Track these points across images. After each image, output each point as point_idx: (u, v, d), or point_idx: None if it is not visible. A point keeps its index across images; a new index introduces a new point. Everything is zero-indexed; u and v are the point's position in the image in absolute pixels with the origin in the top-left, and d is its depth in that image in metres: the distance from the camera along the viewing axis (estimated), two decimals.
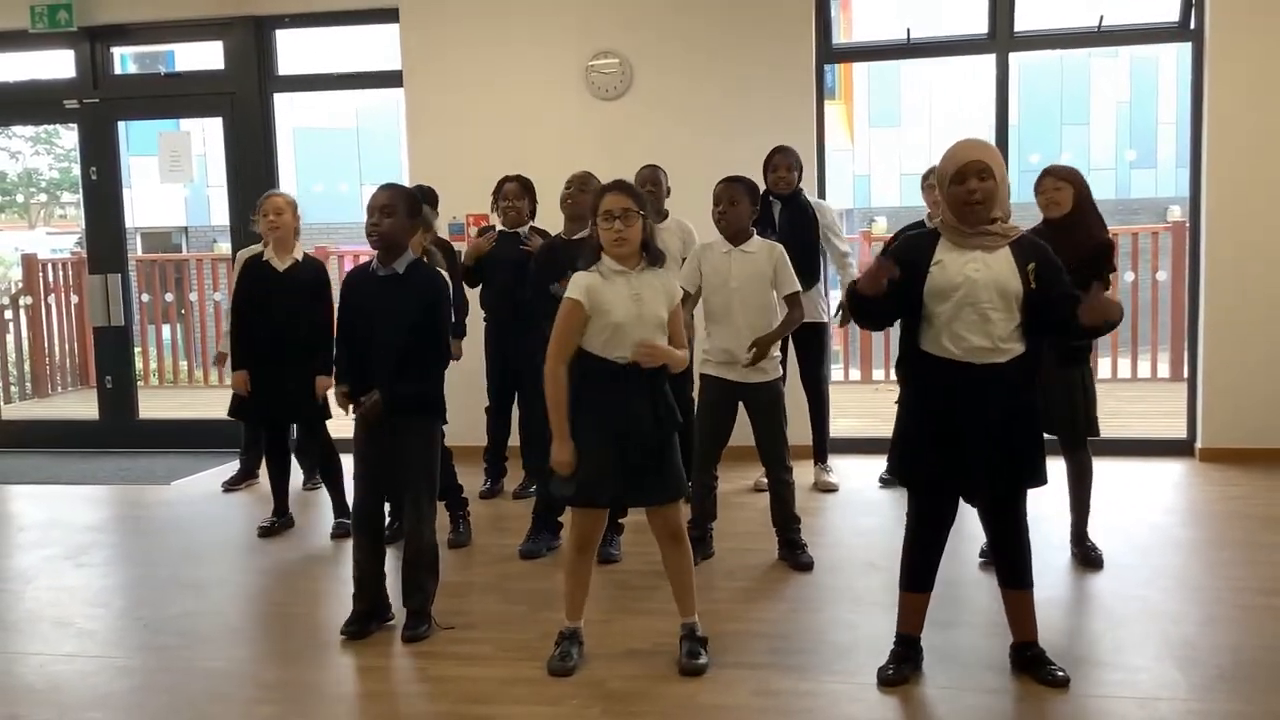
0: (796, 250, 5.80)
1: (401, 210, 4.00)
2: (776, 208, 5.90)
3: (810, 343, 6.08)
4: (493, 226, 6.16)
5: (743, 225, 4.78)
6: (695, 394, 4.98)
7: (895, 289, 3.40)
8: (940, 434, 3.44)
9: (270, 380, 5.37)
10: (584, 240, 4.96)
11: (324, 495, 5.82)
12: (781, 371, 4.88)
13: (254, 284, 5.44)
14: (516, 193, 5.83)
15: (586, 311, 3.59)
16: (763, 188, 5.84)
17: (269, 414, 5.57)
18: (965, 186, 3.35)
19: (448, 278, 5.08)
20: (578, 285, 3.62)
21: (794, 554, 4.83)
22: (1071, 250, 4.07)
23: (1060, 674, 3.54)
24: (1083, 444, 4.63)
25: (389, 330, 4.02)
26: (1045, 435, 4.29)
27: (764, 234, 5.15)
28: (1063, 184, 4.49)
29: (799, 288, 4.83)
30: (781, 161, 5.90)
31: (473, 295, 6.06)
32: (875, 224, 15.81)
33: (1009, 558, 3.60)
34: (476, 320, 6.07)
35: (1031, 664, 3.59)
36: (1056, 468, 3.95)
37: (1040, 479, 3.53)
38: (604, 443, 3.61)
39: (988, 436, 3.40)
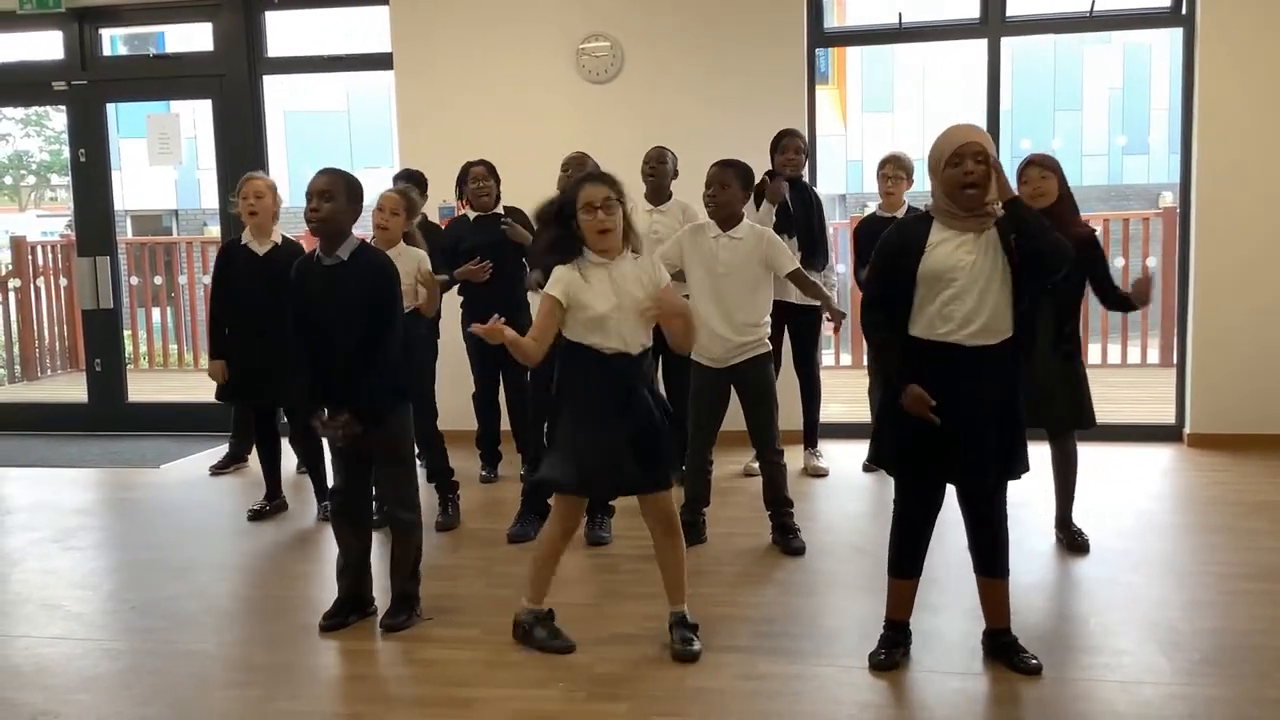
0: (803, 234, 5.83)
1: (341, 195, 3.87)
2: (785, 190, 5.89)
3: (804, 327, 6.08)
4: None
5: (733, 210, 4.75)
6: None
7: (894, 283, 3.42)
8: (926, 419, 3.43)
9: (254, 365, 5.33)
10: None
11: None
12: (769, 348, 4.86)
13: (233, 269, 5.40)
14: (482, 175, 5.77)
15: (565, 307, 3.62)
16: (767, 168, 5.86)
17: (255, 399, 5.56)
18: (962, 168, 3.32)
19: (425, 256, 5.09)
20: (558, 282, 3.64)
21: (786, 539, 4.83)
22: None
23: (1033, 661, 3.55)
24: (1072, 433, 4.65)
25: (342, 322, 3.89)
26: (1029, 426, 4.34)
27: (781, 220, 5.17)
28: (1048, 173, 4.48)
29: (798, 265, 4.85)
30: (791, 143, 5.89)
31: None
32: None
33: (987, 546, 3.60)
34: (454, 306, 6.01)
35: (1004, 651, 3.60)
36: (1038, 454, 3.94)
37: (1025, 466, 3.54)
38: (598, 432, 3.61)
39: (975, 421, 3.40)
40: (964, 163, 3.32)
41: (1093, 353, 9.23)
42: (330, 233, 3.89)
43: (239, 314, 5.39)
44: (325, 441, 4.11)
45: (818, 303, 6.04)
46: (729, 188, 4.72)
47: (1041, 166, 4.49)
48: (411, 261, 4.91)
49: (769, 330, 4.86)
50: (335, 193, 3.86)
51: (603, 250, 3.64)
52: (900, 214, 5.82)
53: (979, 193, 3.33)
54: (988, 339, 3.38)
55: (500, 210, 5.74)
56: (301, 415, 5.08)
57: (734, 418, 4.88)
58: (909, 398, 3.39)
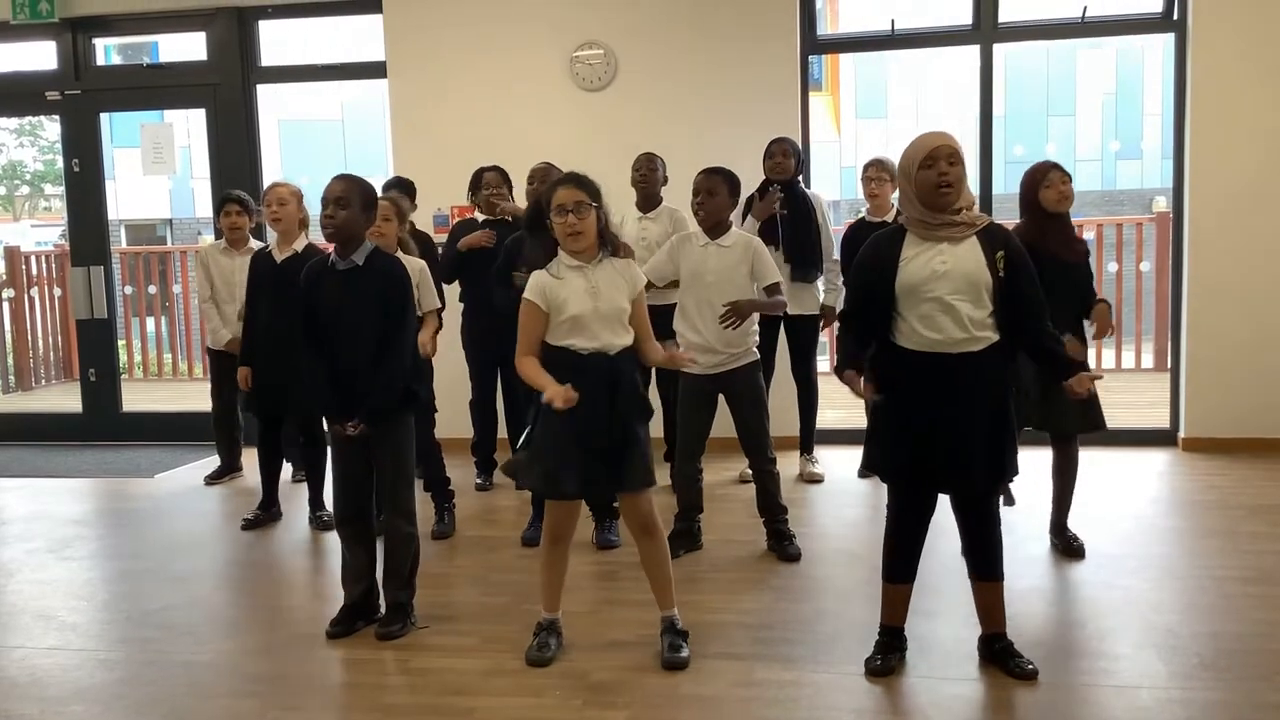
0: (796, 240, 5.84)
1: (356, 202, 3.91)
2: (777, 205, 5.89)
3: (802, 334, 6.08)
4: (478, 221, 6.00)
5: (721, 218, 4.75)
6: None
7: (872, 296, 3.44)
8: (916, 427, 3.43)
9: (270, 373, 5.31)
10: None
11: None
12: (757, 356, 4.85)
13: (256, 277, 5.39)
14: (497, 181, 5.79)
15: (544, 310, 3.62)
16: (762, 177, 5.88)
17: (270, 408, 5.52)
18: (936, 169, 3.33)
19: (424, 266, 5.08)
20: (533, 287, 3.64)
21: (782, 545, 4.83)
22: (1068, 246, 4.44)
23: (1029, 666, 3.54)
24: (1074, 437, 4.66)
25: (357, 325, 3.91)
26: (1036, 429, 4.35)
27: (770, 227, 5.19)
28: (1068, 178, 4.53)
29: (779, 278, 4.83)
30: (778, 149, 5.91)
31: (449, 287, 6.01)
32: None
33: (980, 549, 3.60)
34: (454, 313, 6.02)
35: (1000, 656, 3.59)
36: (1031, 459, 3.93)
37: (1014, 470, 3.53)
38: (567, 432, 3.58)
39: (962, 427, 3.40)
40: (937, 164, 3.34)
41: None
42: (346, 239, 3.93)
43: (257, 321, 5.36)
44: (329, 449, 4.10)
45: (815, 311, 6.08)
46: (717, 195, 4.72)
47: (1062, 171, 4.54)
48: (412, 269, 4.90)
49: (757, 339, 4.84)
50: (350, 199, 3.90)
51: (575, 252, 3.64)
52: (889, 218, 5.83)
53: (953, 193, 3.35)
54: (972, 346, 3.38)
55: (509, 218, 5.72)
56: (316, 419, 5.03)
57: (728, 424, 4.87)
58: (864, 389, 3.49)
